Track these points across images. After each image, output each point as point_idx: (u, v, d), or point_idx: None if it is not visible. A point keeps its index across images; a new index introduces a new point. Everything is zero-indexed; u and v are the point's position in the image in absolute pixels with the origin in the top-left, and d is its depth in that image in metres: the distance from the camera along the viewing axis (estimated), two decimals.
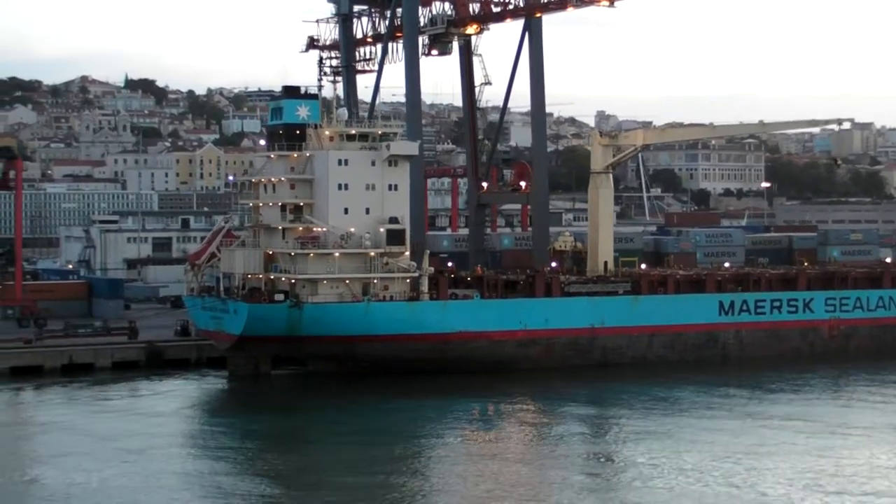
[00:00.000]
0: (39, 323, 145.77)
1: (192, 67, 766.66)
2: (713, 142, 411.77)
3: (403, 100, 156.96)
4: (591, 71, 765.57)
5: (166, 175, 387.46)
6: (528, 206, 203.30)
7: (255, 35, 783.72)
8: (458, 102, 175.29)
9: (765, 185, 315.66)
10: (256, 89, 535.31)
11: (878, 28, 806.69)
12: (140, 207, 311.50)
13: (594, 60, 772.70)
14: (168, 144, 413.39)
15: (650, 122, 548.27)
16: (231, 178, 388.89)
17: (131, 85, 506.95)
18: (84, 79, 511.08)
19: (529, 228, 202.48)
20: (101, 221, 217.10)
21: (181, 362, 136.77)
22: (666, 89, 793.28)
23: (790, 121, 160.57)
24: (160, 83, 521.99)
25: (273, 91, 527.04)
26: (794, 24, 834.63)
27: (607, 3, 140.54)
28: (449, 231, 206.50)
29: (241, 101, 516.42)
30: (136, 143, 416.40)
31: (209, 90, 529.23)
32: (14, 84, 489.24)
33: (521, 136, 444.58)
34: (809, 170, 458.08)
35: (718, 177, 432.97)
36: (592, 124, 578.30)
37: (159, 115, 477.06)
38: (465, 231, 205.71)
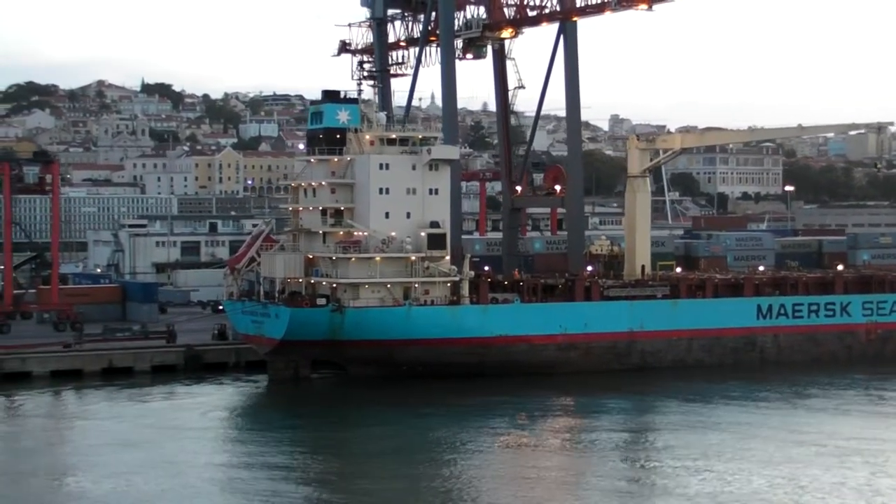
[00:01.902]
0: (76, 327, 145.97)
1: (204, 72, 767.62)
2: (731, 145, 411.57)
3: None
4: (602, 76, 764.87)
5: (185, 179, 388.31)
6: (558, 210, 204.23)
7: (266, 40, 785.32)
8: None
9: (789, 188, 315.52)
10: (272, 93, 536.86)
11: (886, 31, 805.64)
12: (160, 211, 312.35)
13: (603, 65, 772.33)
14: (186, 148, 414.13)
15: (663, 127, 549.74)
16: (250, 182, 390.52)
17: (147, 89, 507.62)
18: (100, 83, 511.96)
19: (559, 232, 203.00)
20: (130, 225, 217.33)
21: (219, 366, 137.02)
22: (676, 95, 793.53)
23: (829, 124, 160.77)
24: (176, 87, 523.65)
25: (288, 95, 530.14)
26: (805, 31, 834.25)
27: (646, 7, 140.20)
28: (477, 235, 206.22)
29: (258, 105, 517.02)
30: (154, 148, 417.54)
31: (226, 94, 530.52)
32: (31, 88, 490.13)
33: (538, 140, 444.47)
34: (826, 173, 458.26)
35: (736, 180, 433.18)
36: (606, 128, 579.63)
37: (176, 119, 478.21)
38: (493, 235, 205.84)
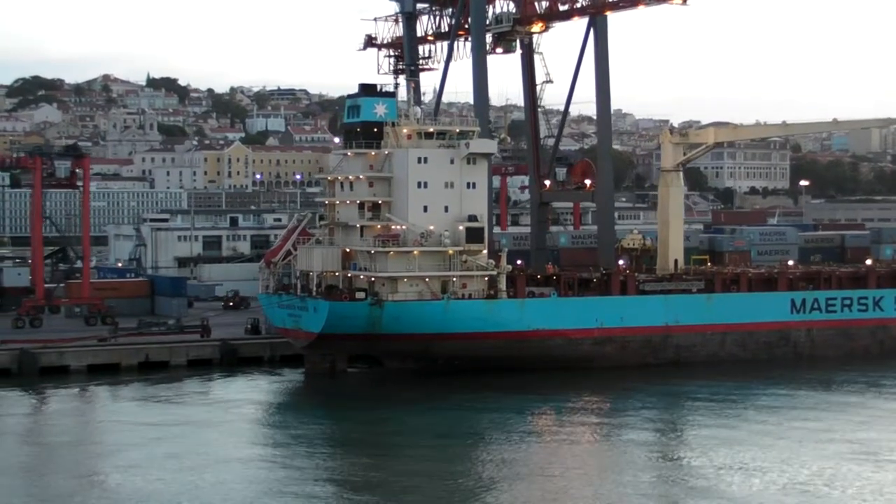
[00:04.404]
0: (108, 321, 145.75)
1: (207, 66, 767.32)
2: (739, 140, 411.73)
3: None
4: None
5: (194, 173, 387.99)
6: (581, 205, 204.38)
7: (268, 34, 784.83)
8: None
9: (804, 183, 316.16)
10: (276, 88, 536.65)
11: (889, 25, 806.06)
12: (170, 206, 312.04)
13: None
14: (195, 143, 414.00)
15: (666, 121, 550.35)
16: (258, 176, 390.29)
17: (153, 83, 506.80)
18: (106, 77, 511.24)
19: (583, 226, 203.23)
20: (152, 220, 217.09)
21: (254, 360, 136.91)
22: (678, 90, 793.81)
23: (864, 119, 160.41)
24: (181, 82, 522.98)
25: (294, 89, 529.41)
26: (808, 25, 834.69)
27: (680, 1, 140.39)
28: (498, 229, 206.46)
29: (264, 99, 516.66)
30: (163, 142, 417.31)
31: (231, 89, 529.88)
32: (37, 83, 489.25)
33: (544, 133, 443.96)
34: (833, 168, 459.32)
35: (744, 175, 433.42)
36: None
37: (183, 113, 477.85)
38: (514, 229, 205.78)
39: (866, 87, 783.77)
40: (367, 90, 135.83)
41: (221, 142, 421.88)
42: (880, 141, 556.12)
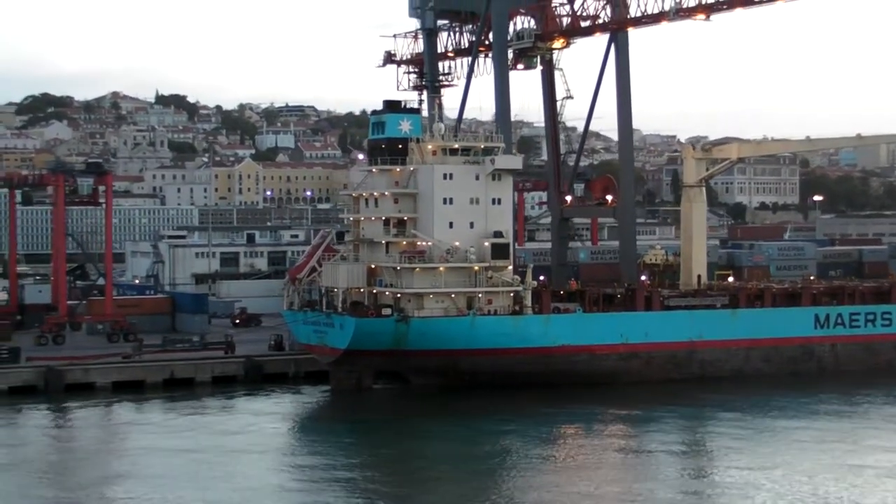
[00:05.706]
0: (131, 338, 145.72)
1: (214, 83, 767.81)
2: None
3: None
4: (610, 86, 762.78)
5: (205, 190, 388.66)
6: (599, 220, 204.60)
7: (275, 51, 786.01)
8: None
9: (817, 198, 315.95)
10: (284, 104, 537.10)
11: (886, 37, 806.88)
12: (182, 223, 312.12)
13: (609, 76, 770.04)
14: (206, 160, 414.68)
15: (673, 136, 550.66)
16: (269, 192, 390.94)
17: (162, 100, 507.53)
18: (115, 94, 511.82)
19: (601, 242, 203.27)
20: (170, 236, 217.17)
21: (279, 376, 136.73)
22: (683, 104, 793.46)
23: (889, 134, 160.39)
24: (189, 99, 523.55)
25: (302, 106, 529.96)
26: (813, 39, 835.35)
27: (703, 17, 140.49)
28: (516, 245, 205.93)
29: (273, 116, 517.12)
30: (173, 159, 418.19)
31: (240, 105, 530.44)
32: (46, 100, 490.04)
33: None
34: (843, 183, 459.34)
35: (754, 190, 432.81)
36: (616, 138, 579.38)
37: (193, 130, 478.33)
38: (530, 245, 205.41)
39: (872, 103, 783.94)
40: (392, 106, 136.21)
41: (232, 158, 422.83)
42: (888, 156, 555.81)
